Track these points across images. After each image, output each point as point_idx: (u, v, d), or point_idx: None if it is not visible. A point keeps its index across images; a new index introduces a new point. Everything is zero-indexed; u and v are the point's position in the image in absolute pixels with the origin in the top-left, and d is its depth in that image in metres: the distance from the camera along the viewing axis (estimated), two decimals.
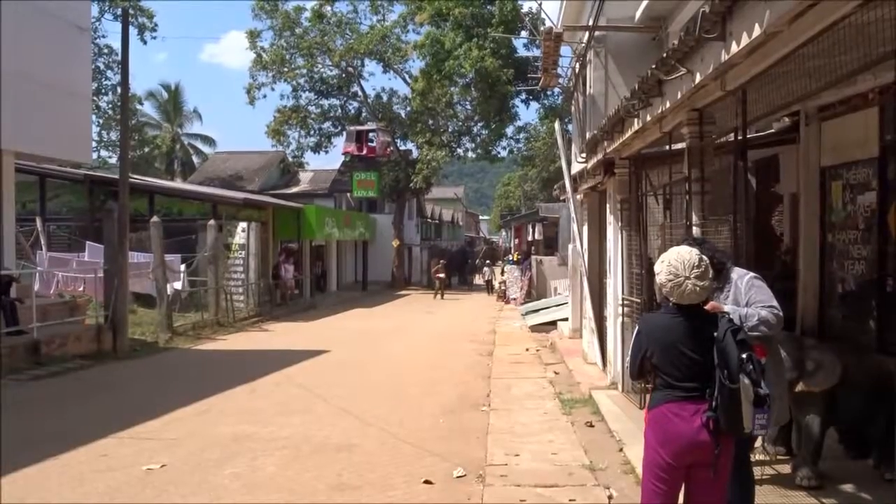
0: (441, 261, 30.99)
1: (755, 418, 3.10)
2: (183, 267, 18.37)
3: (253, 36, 33.64)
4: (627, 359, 8.76)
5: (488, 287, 31.70)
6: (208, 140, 45.89)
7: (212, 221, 18.37)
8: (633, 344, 3.51)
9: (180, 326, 15.41)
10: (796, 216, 7.04)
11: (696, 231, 5.26)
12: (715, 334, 3.19)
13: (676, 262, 3.29)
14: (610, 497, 5.29)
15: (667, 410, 3.29)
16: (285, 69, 33.74)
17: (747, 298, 3.83)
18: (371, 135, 34.27)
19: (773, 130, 7.30)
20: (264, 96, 35.29)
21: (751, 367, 3.09)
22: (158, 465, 6.13)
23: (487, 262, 35.14)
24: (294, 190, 35.57)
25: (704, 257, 3.37)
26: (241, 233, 20.21)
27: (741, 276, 3.93)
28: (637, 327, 3.62)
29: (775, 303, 3.80)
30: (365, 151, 33.89)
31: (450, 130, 33.85)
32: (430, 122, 32.47)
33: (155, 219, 16.17)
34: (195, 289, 18.47)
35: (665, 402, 3.31)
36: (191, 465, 6.18)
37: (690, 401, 3.23)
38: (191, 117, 45.30)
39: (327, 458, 6.40)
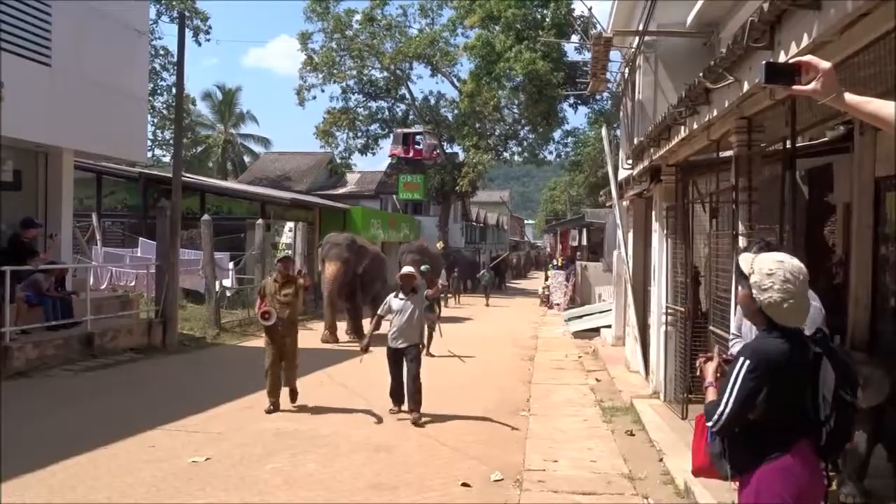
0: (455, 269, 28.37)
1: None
2: (231, 265, 18.73)
3: (304, 38, 34.16)
4: (671, 368, 8.50)
5: (486, 294, 27.97)
6: (263, 141, 46.63)
7: (260, 220, 18.70)
8: (742, 385, 2.70)
9: (227, 323, 15.71)
10: (849, 227, 6.87)
11: (743, 240, 5.18)
12: (817, 350, 2.76)
13: (792, 275, 2.68)
14: None
15: (798, 457, 2.73)
16: (335, 71, 34.16)
17: None
18: (418, 137, 34.48)
19: (826, 139, 7.14)
20: (314, 98, 35.64)
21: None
22: (203, 457, 6.29)
23: (491, 271, 31.25)
24: (341, 191, 35.96)
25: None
26: (289, 232, 20.55)
27: None
28: (746, 362, 2.72)
29: None
30: (411, 154, 34.12)
31: (497, 134, 33.83)
32: (478, 125, 32.49)
33: (206, 217, 16.53)
34: (243, 286, 18.81)
35: (791, 446, 2.73)
36: (234, 459, 6.33)
37: (810, 439, 2.76)
38: (245, 119, 46.13)
39: (366, 458, 6.48)
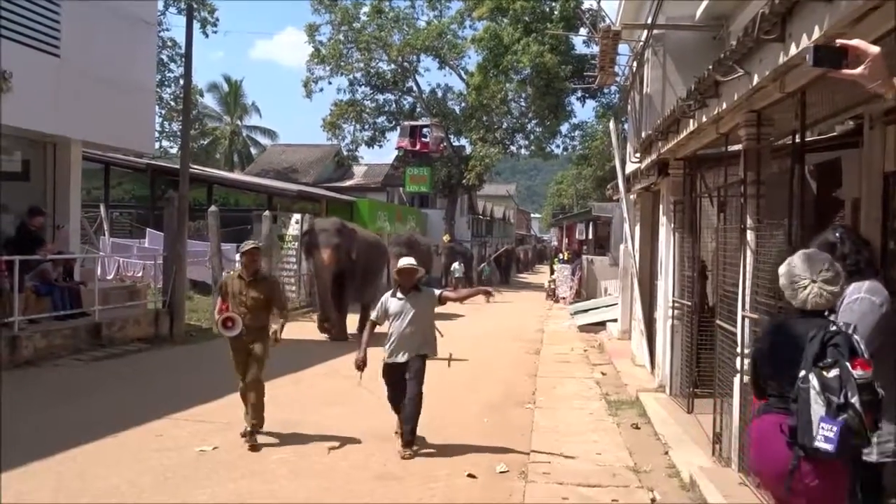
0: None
1: (820, 427, 2.75)
2: (238, 256, 18.74)
3: (311, 30, 34.15)
4: (677, 362, 8.55)
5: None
6: (269, 133, 46.68)
7: (266, 212, 18.73)
8: (752, 354, 3.34)
9: None
10: (858, 222, 6.84)
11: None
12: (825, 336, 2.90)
13: (801, 262, 3.09)
14: (653, 500, 5.26)
15: (772, 421, 3.05)
16: (342, 63, 34.15)
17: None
18: (425, 130, 34.45)
19: (835, 133, 7.11)
20: (321, 90, 35.64)
21: (836, 372, 2.74)
22: (210, 447, 6.33)
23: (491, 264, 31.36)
24: (348, 183, 35.99)
25: (835, 262, 3.13)
26: (295, 224, 20.54)
27: (851, 293, 3.50)
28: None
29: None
30: (418, 147, 34.10)
31: (504, 127, 33.79)
32: (485, 118, 32.47)
33: (213, 208, 16.57)
34: None
35: (771, 411, 3.09)
36: (241, 448, 6.35)
37: (785, 414, 3.00)
38: (250, 110, 46.21)
39: (372, 449, 6.51)
